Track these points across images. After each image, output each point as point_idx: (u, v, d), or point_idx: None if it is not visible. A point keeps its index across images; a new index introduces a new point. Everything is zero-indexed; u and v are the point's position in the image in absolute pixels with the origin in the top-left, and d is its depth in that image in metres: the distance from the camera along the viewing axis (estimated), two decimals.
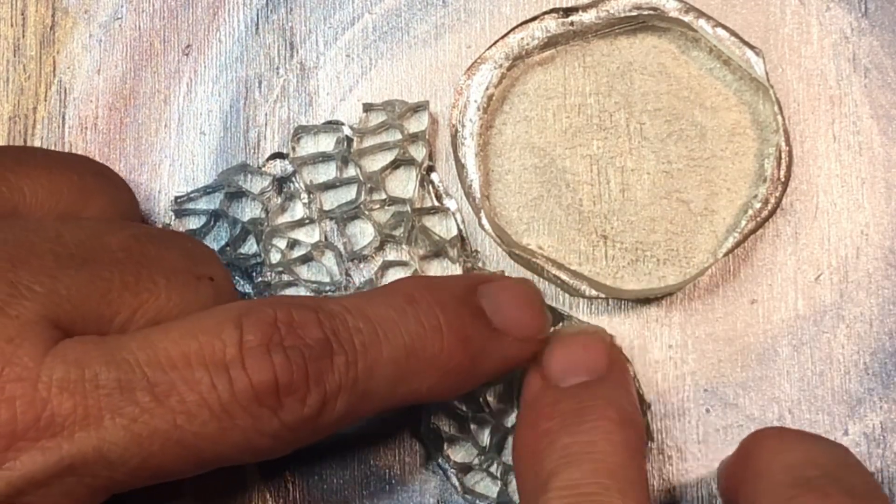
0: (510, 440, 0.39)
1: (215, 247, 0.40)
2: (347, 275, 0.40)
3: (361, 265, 0.40)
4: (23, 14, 0.42)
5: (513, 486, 0.39)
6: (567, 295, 0.40)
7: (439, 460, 0.39)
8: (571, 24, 0.40)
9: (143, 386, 0.31)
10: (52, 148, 0.41)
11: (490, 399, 0.39)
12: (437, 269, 0.40)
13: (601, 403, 0.35)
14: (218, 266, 0.36)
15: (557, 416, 0.35)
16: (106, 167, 0.39)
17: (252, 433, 0.32)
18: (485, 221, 0.40)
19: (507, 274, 0.40)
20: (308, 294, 0.40)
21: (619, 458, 0.34)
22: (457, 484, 0.39)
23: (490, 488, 0.39)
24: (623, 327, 0.40)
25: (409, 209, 0.40)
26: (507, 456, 0.39)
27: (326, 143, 0.41)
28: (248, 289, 0.40)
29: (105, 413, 0.31)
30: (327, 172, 0.40)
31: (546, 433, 0.35)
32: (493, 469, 0.39)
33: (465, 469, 0.39)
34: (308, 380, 0.32)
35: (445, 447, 0.39)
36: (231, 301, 0.35)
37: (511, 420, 0.39)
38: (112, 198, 0.37)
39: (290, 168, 0.40)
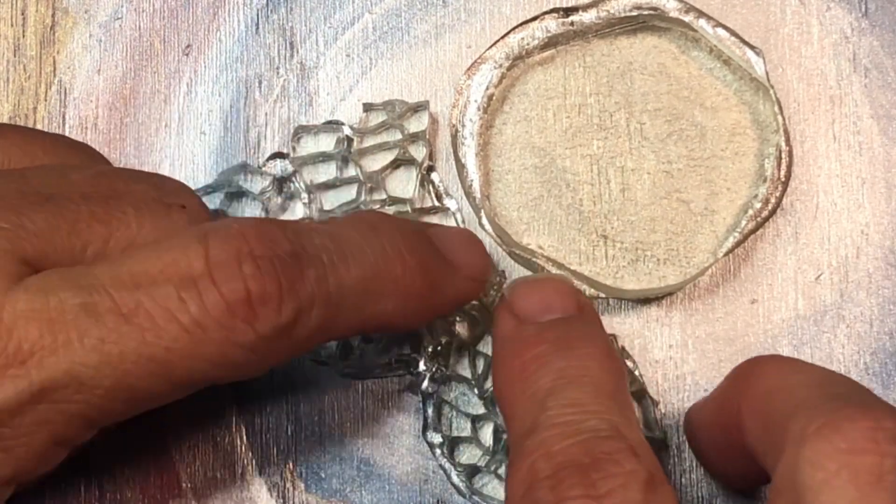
0: None
1: None
2: None
3: None
4: (23, 14, 0.42)
5: None
6: None
7: (442, 461, 0.39)
8: (571, 24, 0.40)
9: (108, 307, 0.31)
10: None
11: (488, 394, 0.39)
12: None
13: (587, 335, 0.35)
14: (189, 195, 0.36)
15: (546, 343, 0.35)
16: (85, 144, 0.39)
17: (227, 345, 0.32)
18: (485, 221, 0.40)
19: (507, 274, 0.40)
20: None
21: (613, 385, 0.34)
22: (459, 484, 0.39)
23: (498, 490, 0.39)
24: (623, 327, 0.40)
25: (409, 209, 0.40)
26: None
27: (327, 142, 0.41)
28: None
29: (73, 336, 0.31)
30: (327, 172, 0.40)
31: (536, 357, 0.35)
32: (500, 471, 0.39)
33: (472, 471, 0.39)
34: (281, 289, 0.32)
35: (450, 448, 0.39)
36: None
37: None
38: (87, 158, 0.37)
39: (290, 168, 0.40)
